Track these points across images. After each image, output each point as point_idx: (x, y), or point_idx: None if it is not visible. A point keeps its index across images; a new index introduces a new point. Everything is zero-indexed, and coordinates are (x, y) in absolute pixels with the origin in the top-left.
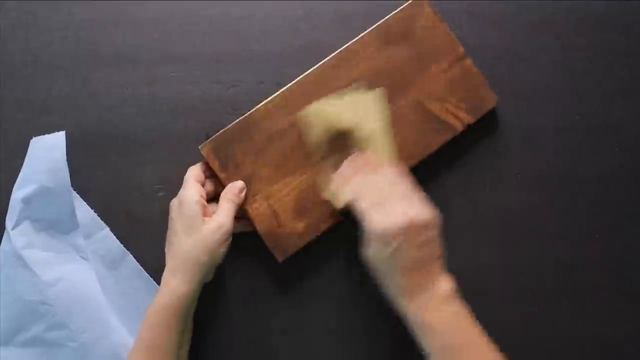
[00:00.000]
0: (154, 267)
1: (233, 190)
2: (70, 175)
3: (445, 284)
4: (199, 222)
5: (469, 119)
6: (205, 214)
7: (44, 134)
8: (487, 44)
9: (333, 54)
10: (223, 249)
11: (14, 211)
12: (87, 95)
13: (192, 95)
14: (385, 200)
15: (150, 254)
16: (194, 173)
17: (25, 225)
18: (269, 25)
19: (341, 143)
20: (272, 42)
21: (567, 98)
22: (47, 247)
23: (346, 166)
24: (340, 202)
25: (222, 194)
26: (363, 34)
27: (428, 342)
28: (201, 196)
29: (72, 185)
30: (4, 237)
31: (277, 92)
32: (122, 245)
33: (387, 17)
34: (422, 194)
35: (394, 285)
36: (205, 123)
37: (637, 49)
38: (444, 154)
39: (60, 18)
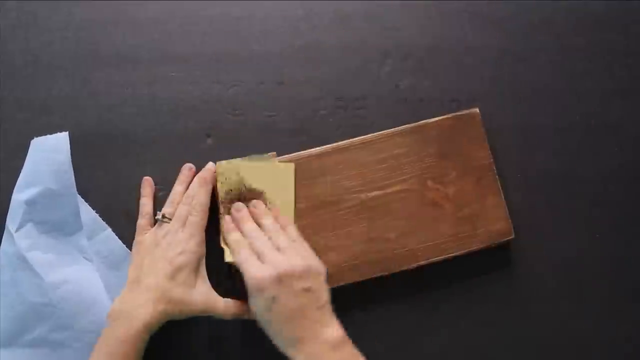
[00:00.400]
0: None
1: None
2: None
3: (333, 331)
4: (191, 283)
5: (478, 245)
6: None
7: (45, 134)
8: (487, 44)
9: (366, 136)
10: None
11: (16, 213)
12: (87, 95)
13: (192, 95)
14: (262, 252)
15: None
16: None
17: (29, 228)
18: (269, 25)
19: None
20: (272, 42)
21: (566, 98)
22: (51, 249)
23: (232, 215)
24: (226, 255)
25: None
26: (412, 125)
27: None
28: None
29: (75, 188)
30: (4, 238)
31: (299, 154)
32: (124, 246)
33: (439, 119)
34: (306, 243)
35: (279, 336)
36: (206, 123)
37: (636, 49)
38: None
39: (60, 18)
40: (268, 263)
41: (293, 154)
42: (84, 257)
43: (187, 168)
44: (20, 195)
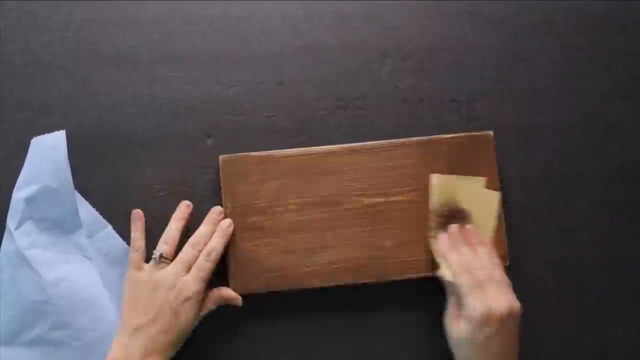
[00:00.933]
0: None
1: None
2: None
3: None
4: (190, 324)
5: None
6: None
7: (44, 134)
8: (487, 44)
9: (376, 142)
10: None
11: (16, 211)
12: (87, 95)
13: (192, 95)
14: (483, 282)
15: (150, 254)
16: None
17: (29, 225)
18: (269, 26)
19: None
20: (272, 42)
21: (566, 98)
22: (50, 247)
23: (448, 234)
24: (443, 270)
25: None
26: (424, 138)
27: None
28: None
29: (73, 185)
30: (5, 237)
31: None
32: (124, 243)
33: (451, 135)
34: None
35: None
36: (206, 123)
37: (636, 49)
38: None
39: (60, 18)
40: (492, 298)
41: (303, 149)
42: (83, 255)
43: (185, 205)
44: (20, 193)
